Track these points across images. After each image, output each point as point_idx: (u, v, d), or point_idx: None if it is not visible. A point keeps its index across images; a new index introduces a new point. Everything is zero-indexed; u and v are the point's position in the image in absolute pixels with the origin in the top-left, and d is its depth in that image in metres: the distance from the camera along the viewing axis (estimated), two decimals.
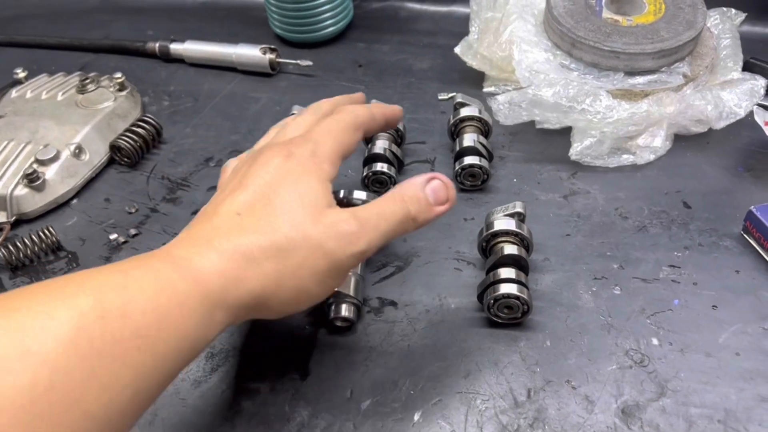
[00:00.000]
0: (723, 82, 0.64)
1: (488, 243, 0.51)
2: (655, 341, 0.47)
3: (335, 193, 0.51)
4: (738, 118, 0.61)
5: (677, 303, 0.50)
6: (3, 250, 0.56)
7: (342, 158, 0.46)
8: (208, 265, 0.36)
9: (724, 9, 0.71)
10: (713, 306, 0.49)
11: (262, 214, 0.39)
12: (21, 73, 0.74)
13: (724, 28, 0.69)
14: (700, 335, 0.48)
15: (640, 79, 0.62)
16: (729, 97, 0.61)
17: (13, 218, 0.60)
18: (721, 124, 0.61)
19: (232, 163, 0.48)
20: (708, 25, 0.69)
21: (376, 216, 0.41)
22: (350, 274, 0.49)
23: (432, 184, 0.44)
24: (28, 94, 0.71)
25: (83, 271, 0.34)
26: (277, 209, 0.39)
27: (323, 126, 0.45)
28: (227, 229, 0.38)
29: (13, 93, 0.71)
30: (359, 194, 0.52)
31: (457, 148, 0.60)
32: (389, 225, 0.41)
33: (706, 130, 0.63)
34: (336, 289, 0.48)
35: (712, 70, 0.65)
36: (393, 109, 0.54)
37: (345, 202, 0.51)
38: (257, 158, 0.43)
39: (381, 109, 0.52)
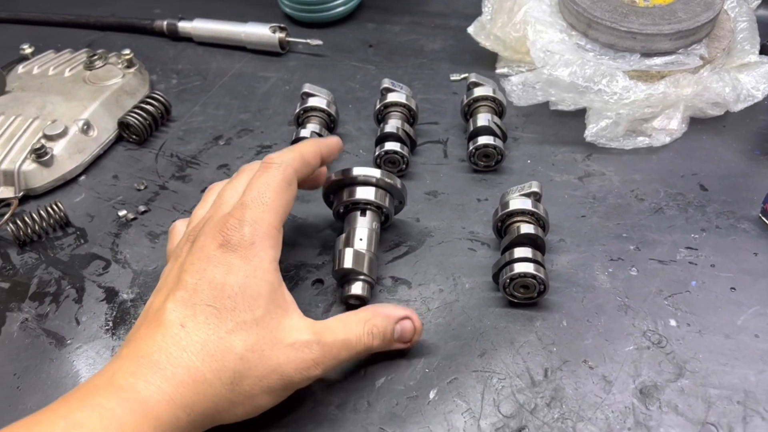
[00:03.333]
0: (740, 64, 0.63)
1: (504, 222, 0.51)
2: (672, 322, 0.47)
3: (347, 170, 0.51)
4: (756, 101, 0.60)
5: (695, 285, 0.49)
6: (11, 225, 0.55)
7: (283, 223, 0.42)
8: (156, 394, 0.34)
9: None
10: (731, 288, 0.49)
11: (209, 328, 0.37)
12: (28, 49, 0.73)
13: (740, 11, 0.68)
14: (718, 317, 0.47)
15: (657, 60, 0.61)
16: (747, 79, 0.60)
17: (21, 194, 0.59)
18: (738, 107, 0.61)
19: (178, 228, 0.46)
20: (725, 8, 0.68)
21: (341, 345, 0.40)
22: (364, 252, 0.49)
23: (404, 324, 0.44)
24: (35, 70, 0.70)
25: (22, 421, 0.32)
26: (227, 321, 0.37)
27: (254, 196, 0.41)
28: (174, 348, 0.36)
29: (20, 69, 0.71)
30: (374, 172, 0.51)
31: (471, 128, 0.60)
32: (349, 354, 0.41)
33: (722, 113, 0.62)
34: (350, 267, 0.48)
35: (729, 53, 0.65)
36: (329, 144, 0.49)
37: (359, 180, 0.50)
38: (194, 243, 0.40)
39: (312, 147, 0.47)
